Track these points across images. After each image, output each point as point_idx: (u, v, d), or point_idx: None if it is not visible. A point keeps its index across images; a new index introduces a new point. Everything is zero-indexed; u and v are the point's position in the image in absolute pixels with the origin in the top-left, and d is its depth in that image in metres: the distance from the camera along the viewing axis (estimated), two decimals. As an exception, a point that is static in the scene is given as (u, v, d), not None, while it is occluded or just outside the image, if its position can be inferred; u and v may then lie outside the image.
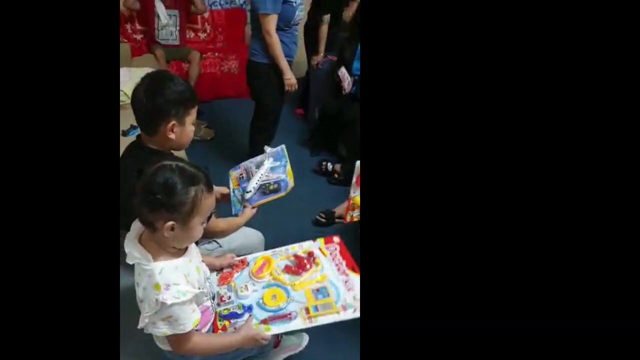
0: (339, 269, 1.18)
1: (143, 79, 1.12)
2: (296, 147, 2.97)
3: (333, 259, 1.22)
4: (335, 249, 1.25)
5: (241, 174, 1.42)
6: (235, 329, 1.07)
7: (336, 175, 2.60)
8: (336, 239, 1.28)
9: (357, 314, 1.05)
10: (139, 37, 3.34)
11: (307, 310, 1.08)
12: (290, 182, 1.34)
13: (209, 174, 0.92)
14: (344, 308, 1.07)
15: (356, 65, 2.61)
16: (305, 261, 1.20)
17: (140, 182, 0.85)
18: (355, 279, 1.14)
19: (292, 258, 1.22)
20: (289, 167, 1.37)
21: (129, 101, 2.52)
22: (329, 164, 2.63)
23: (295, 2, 2.03)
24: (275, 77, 2.15)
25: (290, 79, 2.14)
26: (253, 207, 1.33)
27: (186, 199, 0.84)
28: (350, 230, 1.80)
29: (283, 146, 1.44)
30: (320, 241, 1.28)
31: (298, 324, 1.06)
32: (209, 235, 1.30)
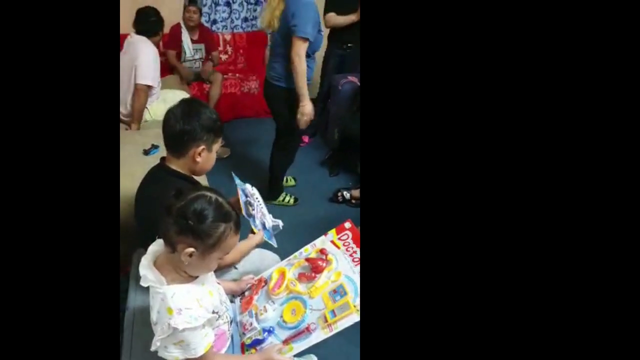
0: (353, 259, 1.12)
1: (180, 102, 1.20)
2: (315, 167, 2.97)
3: (347, 249, 1.16)
4: (348, 236, 1.19)
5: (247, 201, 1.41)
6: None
7: (354, 202, 2.55)
8: (347, 224, 1.22)
9: None
10: (162, 59, 3.43)
11: (325, 317, 1.03)
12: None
13: (240, 216, 0.96)
14: None
15: None
16: (319, 262, 1.14)
17: (178, 203, 0.88)
18: None
19: (305, 263, 1.17)
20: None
21: (151, 120, 2.59)
22: (345, 192, 2.57)
23: (322, 31, 2.10)
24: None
25: (306, 105, 2.08)
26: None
27: (214, 232, 0.87)
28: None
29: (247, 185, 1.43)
30: (332, 233, 1.23)
31: (319, 335, 1.02)
32: (217, 269, 1.28)
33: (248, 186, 1.41)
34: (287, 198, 2.53)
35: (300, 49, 1.95)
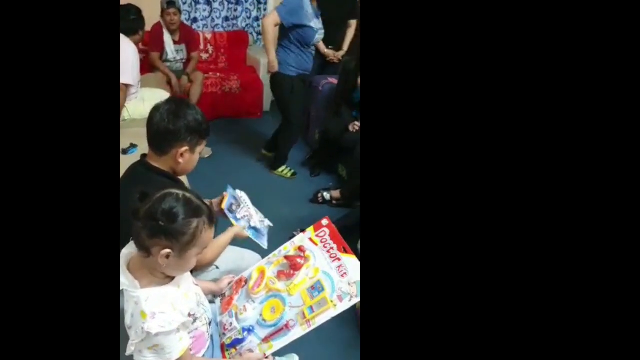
0: (330, 255, 1.14)
1: (167, 100, 1.18)
2: (297, 167, 2.96)
3: (324, 246, 1.18)
4: (325, 233, 1.21)
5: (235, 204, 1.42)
6: (241, 354, 1.05)
7: (334, 202, 2.56)
8: (325, 221, 1.24)
9: (355, 301, 1.03)
10: (142, 56, 3.36)
11: (303, 314, 1.05)
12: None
13: (212, 208, 0.94)
14: (340, 299, 1.04)
15: (357, 95, 2.62)
16: (298, 259, 1.16)
17: (144, 206, 0.85)
18: (347, 261, 1.11)
19: (284, 261, 1.18)
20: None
21: (129, 118, 2.54)
22: (325, 193, 2.58)
23: (315, 27, 2.51)
24: (300, 88, 2.62)
25: (272, 60, 2.55)
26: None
27: (187, 230, 0.85)
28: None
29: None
30: (310, 231, 1.24)
31: (298, 332, 1.03)
32: (198, 268, 1.27)
33: (238, 191, 1.43)
34: (286, 170, 2.81)
35: (270, 17, 2.49)
